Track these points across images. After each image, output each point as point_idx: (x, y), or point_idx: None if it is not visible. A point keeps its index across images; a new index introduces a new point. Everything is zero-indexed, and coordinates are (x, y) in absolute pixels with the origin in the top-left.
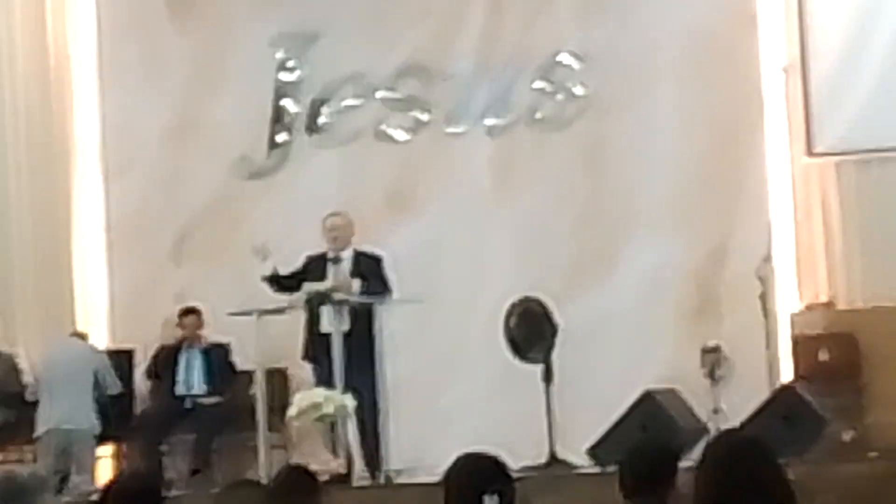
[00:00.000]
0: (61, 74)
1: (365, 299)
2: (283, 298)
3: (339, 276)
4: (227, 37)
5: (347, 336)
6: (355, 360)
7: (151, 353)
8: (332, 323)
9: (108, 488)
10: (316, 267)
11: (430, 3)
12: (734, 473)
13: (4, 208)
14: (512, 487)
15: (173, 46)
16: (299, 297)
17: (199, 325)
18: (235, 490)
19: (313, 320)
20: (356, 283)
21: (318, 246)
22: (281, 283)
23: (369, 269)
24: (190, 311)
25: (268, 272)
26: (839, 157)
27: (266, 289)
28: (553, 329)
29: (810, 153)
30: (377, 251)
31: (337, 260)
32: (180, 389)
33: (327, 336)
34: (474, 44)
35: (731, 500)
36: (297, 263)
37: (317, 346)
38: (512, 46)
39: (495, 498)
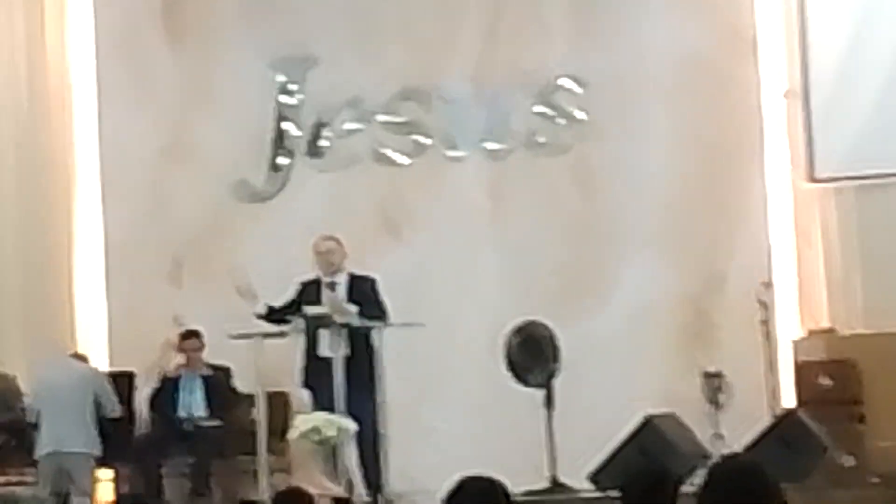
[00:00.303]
0: (59, 96)
1: (366, 323)
2: None
3: (335, 300)
4: (224, 60)
5: (346, 360)
6: (354, 383)
7: (154, 384)
8: (332, 347)
9: None
10: (310, 292)
11: (429, 26)
12: (736, 498)
13: (2, 229)
14: None
15: (170, 69)
16: (300, 320)
17: (200, 347)
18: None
19: (311, 344)
20: (353, 307)
21: (316, 269)
22: (276, 316)
23: (364, 293)
24: (191, 334)
25: (262, 310)
26: (840, 183)
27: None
28: (556, 354)
29: (811, 178)
30: (371, 274)
31: (332, 284)
32: (181, 412)
33: (325, 360)
34: (472, 68)
35: None
36: (288, 293)
37: (315, 371)
38: (509, 70)
39: None
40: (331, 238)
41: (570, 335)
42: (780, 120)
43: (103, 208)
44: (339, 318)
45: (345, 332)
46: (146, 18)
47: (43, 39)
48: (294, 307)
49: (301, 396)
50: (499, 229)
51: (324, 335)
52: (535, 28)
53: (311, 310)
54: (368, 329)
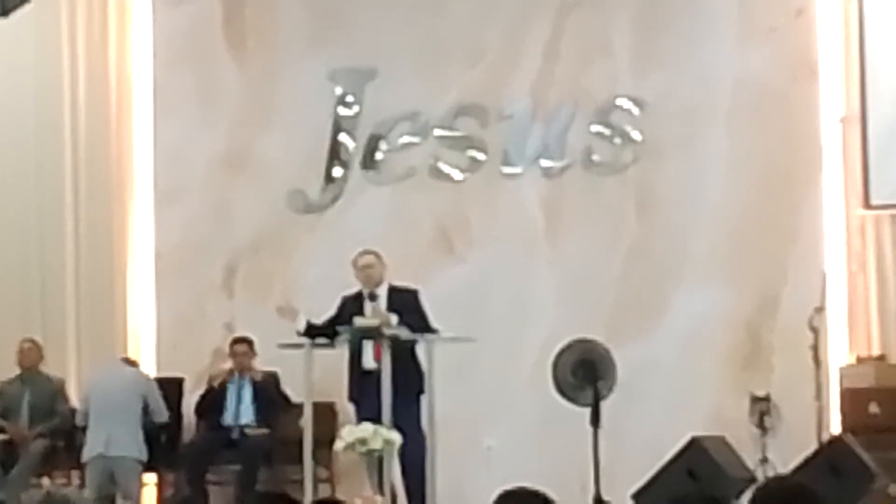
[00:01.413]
0: (120, 103)
1: (414, 335)
2: None
3: (377, 312)
4: (282, 70)
5: (392, 372)
6: (399, 396)
7: (201, 391)
8: (376, 359)
9: None
10: (352, 306)
11: (488, 43)
12: None
13: (59, 234)
14: None
15: (229, 78)
16: (348, 330)
17: (251, 355)
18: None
19: (356, 356)
20: (394, 318)
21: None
22: (316, 333)
23: (406, 304)
24: (241, 341)
25: (301, 327)
26: (895, 210)
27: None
28: (607, 373)
29: (866, 205)
30: (412, 285)
31: (373, 296)
32: (228, 420)
33: (370, 372)
34: (531, 85)
35: None
36: (330, 310)
37: (361, 383)
38: (568, 89)
39: None
40: (370, 252)
41: (623, 355)
42: (839, 145)
43: (156, 215)
44: (386, 330)
45: (387, 343)
46: (207, 28)
47: (104, 48)
48: (335, 322)
49: (347, 408)
50: (553, 246)
51: (368, 348)
52: (596, 47)
53: (358, 321)
54: (413, 341)
